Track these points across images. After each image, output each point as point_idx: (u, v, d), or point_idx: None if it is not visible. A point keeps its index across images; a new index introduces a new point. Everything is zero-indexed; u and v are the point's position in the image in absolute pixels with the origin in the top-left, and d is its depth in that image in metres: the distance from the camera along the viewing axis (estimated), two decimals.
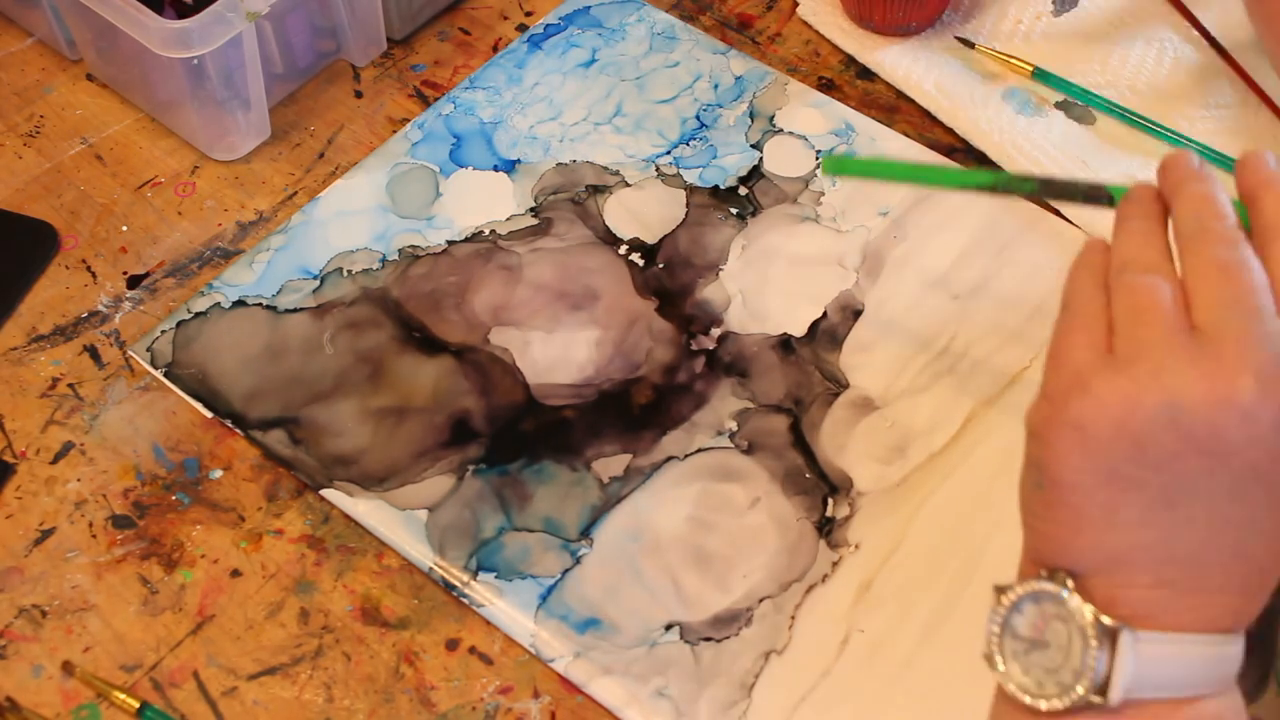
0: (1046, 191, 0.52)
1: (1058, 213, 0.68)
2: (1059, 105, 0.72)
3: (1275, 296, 0.41)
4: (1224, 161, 0.68)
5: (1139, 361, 0.41)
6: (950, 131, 0.72)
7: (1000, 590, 0.43)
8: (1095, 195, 0.50)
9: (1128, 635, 0.40)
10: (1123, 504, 0.41)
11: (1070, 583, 0.42)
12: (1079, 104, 0.72)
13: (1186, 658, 0.41)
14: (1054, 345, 0.44)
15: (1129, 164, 0.69)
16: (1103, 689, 0.41)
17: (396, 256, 0.66)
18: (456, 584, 0.56)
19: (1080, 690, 0.41)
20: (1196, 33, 0.75)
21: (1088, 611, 0.41)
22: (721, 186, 0.69)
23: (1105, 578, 0.42)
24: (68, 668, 0.55)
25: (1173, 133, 0.70)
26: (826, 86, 0.74)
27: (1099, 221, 0.66)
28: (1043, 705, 0.42)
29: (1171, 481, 0.41)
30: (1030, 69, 0.73)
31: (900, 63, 0.74)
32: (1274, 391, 0.40)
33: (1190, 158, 0.46)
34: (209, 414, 0.61)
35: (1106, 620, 0.41)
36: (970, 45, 0.74)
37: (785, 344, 0.63)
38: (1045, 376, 0.44)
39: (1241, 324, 0.40)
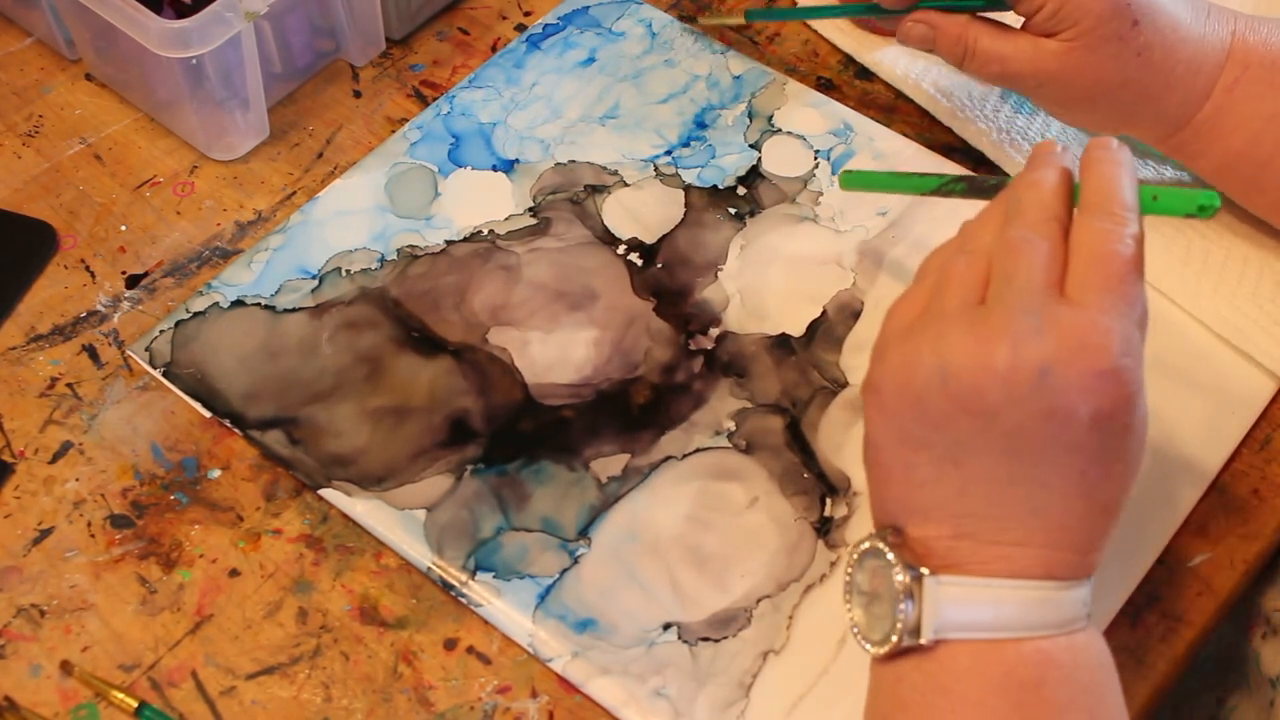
0: (971, 190, 0.56)
1: None
2: None
3: (1057, 271, 0.44)
4: None
5: (926, 329, 0.45)
6: (949, 131, 0.72)
7: (852, 547, 0.47)
8: (999, 186, 0.54)
9: (930, 580, 0.44)
10: (916, 462, 0.45)
11: (889, 538, 0.46)
12: None
13: (995, 601, 0.44)
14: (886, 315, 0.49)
15: None
16: (916, 631, 0.44)
17: (395, 256, 0.66)
18: (455, 584, 0.56)
19: (898, 633, 0.45)
20: None
21: (896, 560, 0.45)
22: (720, 186, 0.69)
23: (916, 530, 0.46)
24: (66, 667, 0.55)
25: None
26: (825, 86, 0.74)
27: None
28: (870, 649, 0.46)
29: (953, 441, 0.44)
30: None
31: (898, 62, 0.74)
32: (1028, 358, 0.42)
33: (1098, 142, 0.48)
34: (207, 414, 0.61)
35: (918, 569, 0.44)
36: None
37: (784, 344, 0.63)
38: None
39: (1011, 296, 0.44)
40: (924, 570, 0.45)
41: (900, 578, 0.45)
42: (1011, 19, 0.61)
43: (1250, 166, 0.61)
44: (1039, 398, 0.43)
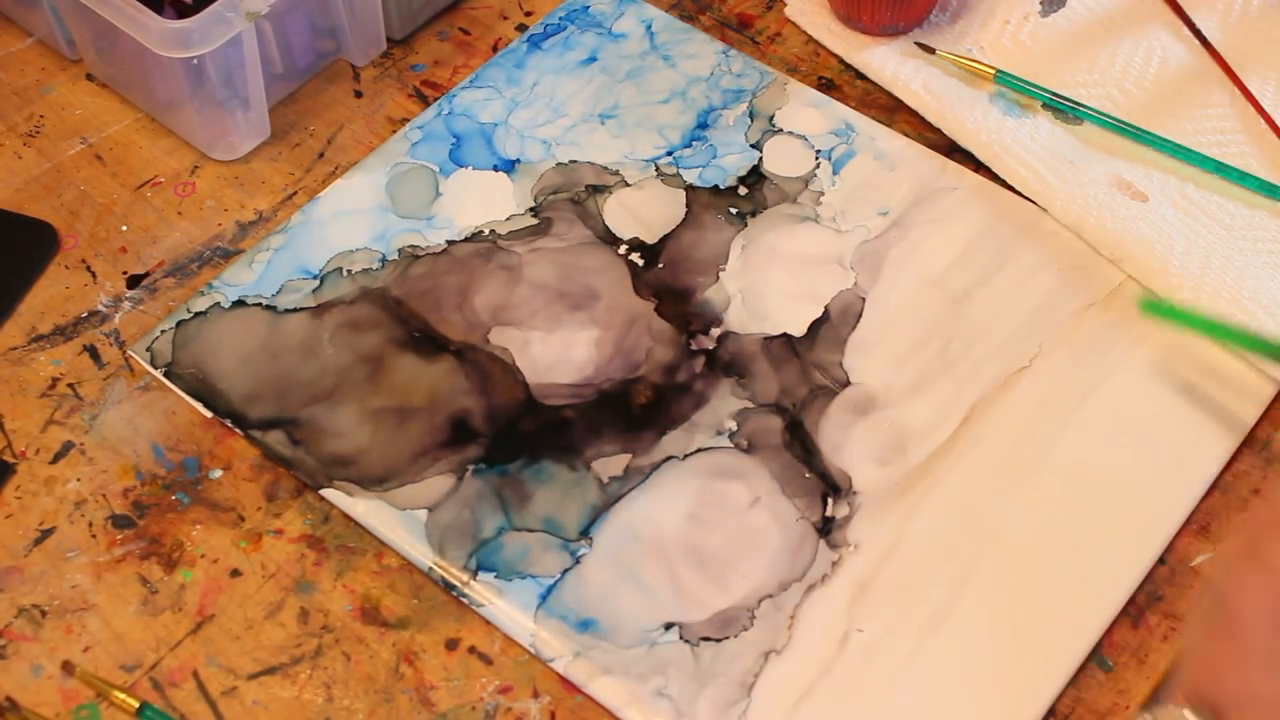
0: None
1: None
2: (1046, 107, 0.72)
3: None
4: (1205, 163, 0.68)
5: None
6: None
7: (1145, 708, 0.44)
8: None
9: None
10: None
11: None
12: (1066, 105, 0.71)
13: None
14: (1269, 483, 0.44)
15: (1115, 165, 0.69)
16: None
17: (396, 256, 0.66)
18: (456, 584, 0.56)
19: None
20: (1189, 32, 0.75)
21: None
22: (721, 186, 0.69)
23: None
24: (67, 667, 0.55)
25: (1153, 135, 0.69)
26: (826, 86, 0.74)
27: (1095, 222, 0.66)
28: None
29: None
30: (993, 73, 0.71)
31: (888, 63, 0.74)
32: None
33: None
34: (208, 414, 0.61)
35: None
36: (931, 51, 0.73)
37: (785, 343, 0.64)
38: (1251, 510, 0.44)
39: None
40: None
41: None
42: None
43: None
44: None
